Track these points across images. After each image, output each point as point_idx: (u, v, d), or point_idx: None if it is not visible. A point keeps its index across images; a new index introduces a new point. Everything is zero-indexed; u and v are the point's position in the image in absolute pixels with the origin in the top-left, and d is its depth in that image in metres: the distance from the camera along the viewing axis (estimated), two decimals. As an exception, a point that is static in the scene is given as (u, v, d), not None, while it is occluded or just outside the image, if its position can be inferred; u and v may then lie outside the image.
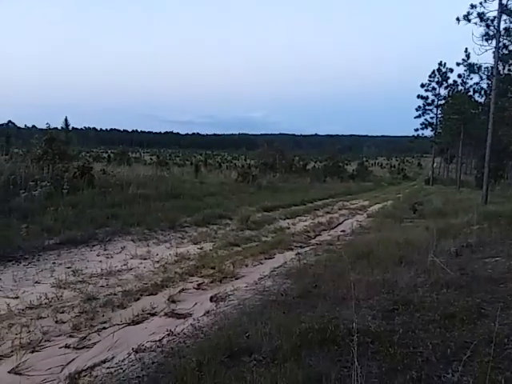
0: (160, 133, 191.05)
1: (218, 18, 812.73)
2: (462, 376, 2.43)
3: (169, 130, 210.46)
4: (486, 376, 2.21)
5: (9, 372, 2.83)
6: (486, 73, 28.78)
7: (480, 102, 35.06)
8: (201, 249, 6.81)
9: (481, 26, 15.73)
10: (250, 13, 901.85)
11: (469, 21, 15.94)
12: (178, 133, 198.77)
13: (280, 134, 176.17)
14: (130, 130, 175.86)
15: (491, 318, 3.17)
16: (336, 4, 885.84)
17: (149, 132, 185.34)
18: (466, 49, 28.61)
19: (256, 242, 7.66)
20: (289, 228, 9.50)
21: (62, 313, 3.86)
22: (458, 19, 16.28)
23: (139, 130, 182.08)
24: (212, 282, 4.98)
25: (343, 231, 9.46)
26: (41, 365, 2.93)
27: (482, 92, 34.68)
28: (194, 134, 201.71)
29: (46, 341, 3.30)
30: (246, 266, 5.87)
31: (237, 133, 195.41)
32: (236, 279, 5.18)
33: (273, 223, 9.87)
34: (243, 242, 7.50)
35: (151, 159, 45.42)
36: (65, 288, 4.54)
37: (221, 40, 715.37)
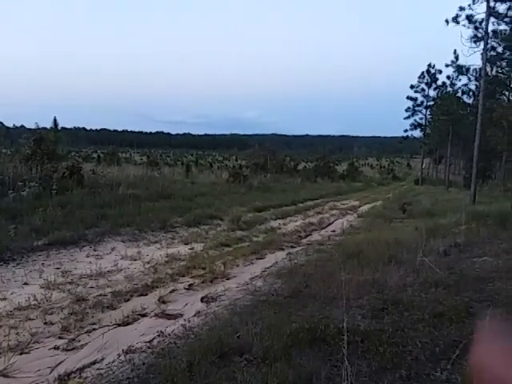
0: (151, 133, 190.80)
1: (214, 19, 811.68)
2: (450, 374, 2.46)
3: (160, 130, 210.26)
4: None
5: (-4, 374, 2.79)
6: (474, 74, 29.22)
7: (468, 103, 35.57)
8: (192, 249, 6.79)
9: (469, 28, 15.99)
10: (244, 14, 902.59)
11: (457, 23, 16.18)
12: (168, 133, 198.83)
13: (272, 134, 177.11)
14: (120, 130, 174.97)
15: (479, 316, 3.21)
16: (329, 4, 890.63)
17: (139, 132, 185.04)
18: (455, 50, 28.90)
19: (247, 242, 7.65)
20: (280, 228, 9.51)
21: (51, 314, 3.82)
22: (447, 21, 16.52)
23: (129, 130, 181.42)
24: (203, 283, 4.96)
25: (334, 231, 9.51)
26: (29, 367, 2.90)
27: (471, 93, 35.21)
28: (185, 134, 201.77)
29: (34, 342, 3.26)
30: (237, 266, 5.86)
31: (229, 133, 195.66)
32: (227, 279, 5.17)
33: (264, 223, 9.87)
34: (234, 242, 7.49)
35: (141, 159, 45.13)
36: (54, 289, 4.49)
37: (215, 40, 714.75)
